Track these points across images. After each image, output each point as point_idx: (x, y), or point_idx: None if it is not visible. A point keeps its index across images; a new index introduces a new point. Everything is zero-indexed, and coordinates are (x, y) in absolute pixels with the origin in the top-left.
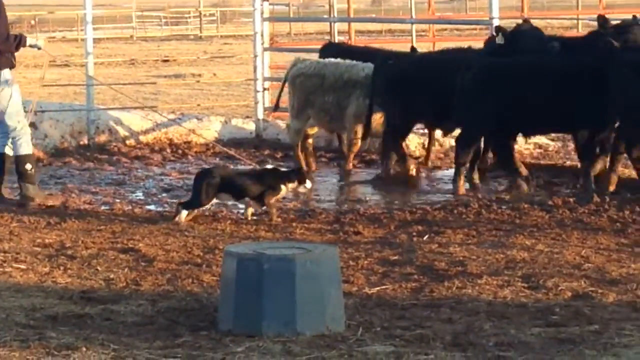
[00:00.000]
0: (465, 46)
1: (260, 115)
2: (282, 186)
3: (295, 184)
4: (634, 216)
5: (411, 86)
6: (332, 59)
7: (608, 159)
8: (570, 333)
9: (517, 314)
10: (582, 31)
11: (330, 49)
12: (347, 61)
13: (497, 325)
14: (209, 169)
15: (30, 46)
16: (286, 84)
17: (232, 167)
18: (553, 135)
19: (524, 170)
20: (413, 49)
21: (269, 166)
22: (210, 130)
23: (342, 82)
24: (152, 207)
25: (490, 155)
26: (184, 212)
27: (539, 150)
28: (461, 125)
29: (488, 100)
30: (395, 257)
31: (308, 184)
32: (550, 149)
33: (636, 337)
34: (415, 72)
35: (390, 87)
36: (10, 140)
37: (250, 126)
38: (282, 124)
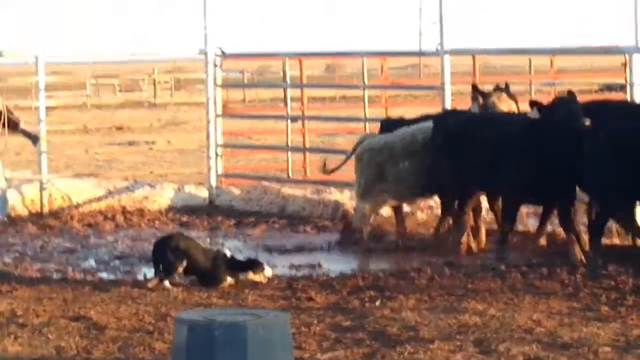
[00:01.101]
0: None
1: (214, 182)
2: (231, 276)
3: (250, 273)
4: (586, 280)
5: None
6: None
7: None
8: None
9: None
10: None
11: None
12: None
13: None
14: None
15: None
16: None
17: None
18: None
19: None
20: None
21: (227, 252)
22: (163, 197)
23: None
24: (104, 274)
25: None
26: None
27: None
28: (594, 192)
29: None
30: (348, 323)
31: (267, 271)
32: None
33: None
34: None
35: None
36: None
37: (204, 193)
38: (235, 191)
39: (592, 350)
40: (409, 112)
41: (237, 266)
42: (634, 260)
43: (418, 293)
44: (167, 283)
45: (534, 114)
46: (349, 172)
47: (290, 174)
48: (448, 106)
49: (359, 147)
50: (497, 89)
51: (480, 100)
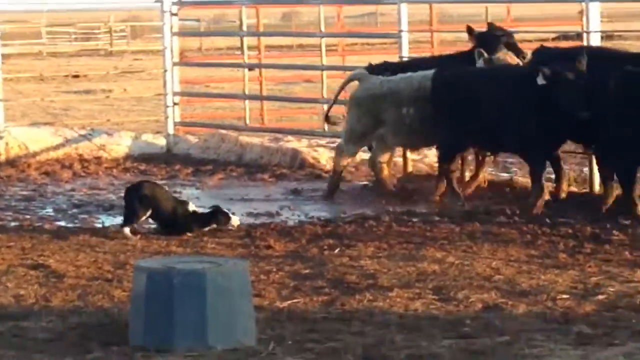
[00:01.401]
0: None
1: (171, 130)
2: (197, 227)
3: (214, 225)
4: (544, 228)
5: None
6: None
7: None
8: (481, 344)
9: (428, 326)
10: None
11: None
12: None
13: (408, 338)
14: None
15: None
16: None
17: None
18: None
19: None
20: None
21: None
22: (120, 145)
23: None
24: (62, 222)
25: None
26: (126, 229)
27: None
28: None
29: None
30: (307, 271)
31: (234, 220)
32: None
33: (546, 348)
34: None
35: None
36: None
37: (161, 141)
38: (192, 139)
39: (550, 297)
40: (366, 60)
41: (203, 219)
42: (591, 207)
43: (377, 241)
44: (126, 230)
45: (540, 80)
46: (305, 120)
47: (247, 122)
48: (405, 54)
49: (356, 92)
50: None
51: (485, 55)
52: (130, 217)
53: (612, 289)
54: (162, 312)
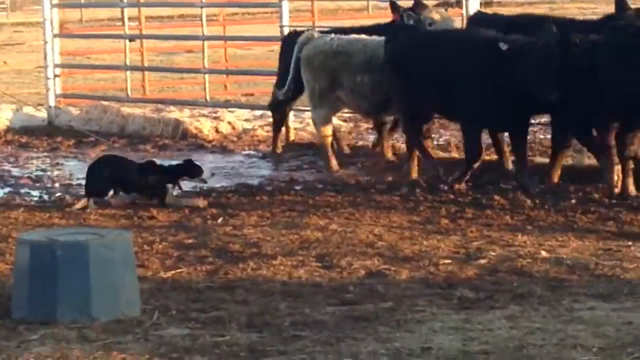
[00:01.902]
0: None
1: (52, 103)
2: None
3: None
4: (426, 194)
5: None
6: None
7: None
8: (364, 311)
9: (311, 294)
10: (372, 13)
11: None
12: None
13: (292, 305)
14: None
15: None
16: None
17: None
18: (345, 115)
19: None
20: None
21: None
22: (1, 118)
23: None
24: None
25: None
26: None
27: None
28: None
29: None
30: (190, 241)
31: (206, 174)
32: (342, 129)
33: (429, 313)
34: None
35: None
36: None
37: (42, 114)
38: (74, 111)
39: (432, 262)
40: (247, 30)
41: (173, 172)
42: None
43: (260, 210)
44: (91, 202)
45: (502, 46)
46: (187, 91)
47: (129, 93)
48: (286, 23)
49: (304, 49)
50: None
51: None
52: (99, 195)
53: (493, 254)
54: (46, 285)
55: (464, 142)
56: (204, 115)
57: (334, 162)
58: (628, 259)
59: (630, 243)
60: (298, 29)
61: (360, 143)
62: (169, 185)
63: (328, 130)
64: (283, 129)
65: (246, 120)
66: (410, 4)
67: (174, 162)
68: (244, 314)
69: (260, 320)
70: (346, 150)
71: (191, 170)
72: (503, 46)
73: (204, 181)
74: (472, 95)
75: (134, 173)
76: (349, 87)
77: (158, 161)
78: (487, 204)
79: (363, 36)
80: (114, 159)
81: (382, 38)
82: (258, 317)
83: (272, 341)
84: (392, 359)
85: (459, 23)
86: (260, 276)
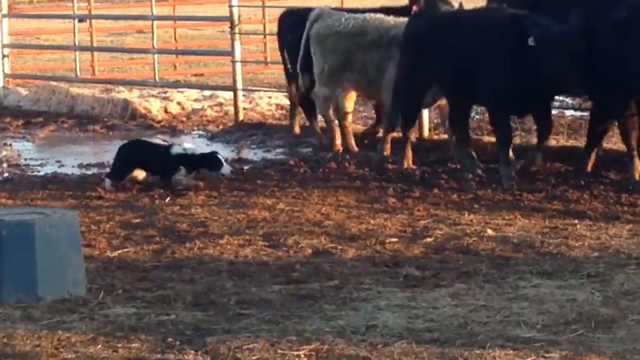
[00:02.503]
0: None
1: (1, 83)
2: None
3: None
4: (374, 173)
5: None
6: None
7: None
8: (311, 289)
9: (258, 272)
10: None
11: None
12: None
13: (239, 284)
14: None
15: None
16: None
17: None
18: None
19: None
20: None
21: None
22: None
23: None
24: None
25: None
26: (107, 182)
27: (281, 112)
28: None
29: None
30: (138, 220)
31: (225, 169)
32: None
33: (374, 291)
34: None
35: None
36: None
37: None
38: (22, 91)
39: (379, 241)
40: (197, 10)
41: (193, 161)
42: (421, 153)
43: (207, 189)
44: (107, 182)
45: (531, 42)
46: (136, 71)
47: (78, 74)
48: (235, 4)
49: (318, 29)
50: None
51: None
52: (117, 176)
53: (440, 232)
54: None
55: (494, 127)
56: (153, 96)
57: (337, 139)
58: (573, 237)
59: (576, 221)
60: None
61: (308, 123)
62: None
63: (329, 108)
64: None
65: (195, 100)
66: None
67: (198, 152)
68: (190, 292)
69: (206, 298)
70: (297, 130)
71: (213, 163)
72: (531, 41)
73: (223, 176)
74: (501, 78)
75: (158, 157)
76: (357, 67)
77: (186, 145)
78: (435, 183)
79: (378, 15)
80: (141, 143)
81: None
82: (204, 295)
83: (217, 319)
84: (337, 336)
85: None
86: (206, 255)
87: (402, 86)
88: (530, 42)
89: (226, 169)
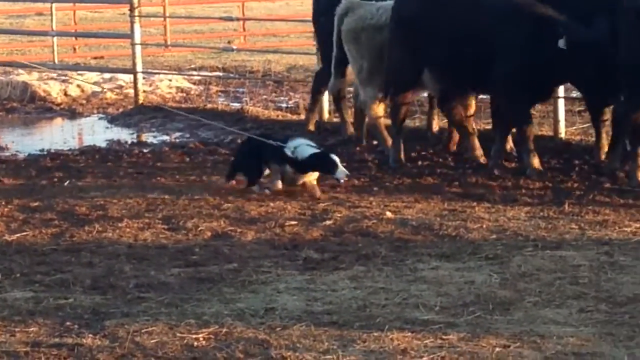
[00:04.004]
0: None
1: None
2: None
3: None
4: None
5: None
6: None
7: None
8: (210, 272)
9: (157, 256)
10: None
11: None
12: None
13: (138, 267)
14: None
15: None
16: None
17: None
18: (195, 79)
19: None
20: None
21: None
22: None
23: None
24: None
25: None
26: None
27: (181, 94)
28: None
29: None
30: (36, 204)
31: (340, 172)
32: (192, 92)
33: (273, 274)
34: None
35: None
36: None
37: None
38: None
39: (278, 224)
40: None
41: (302, 165)
42: (321, 136)
43: (107, 172)
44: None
45: (561, 44)
46: (36, 53)
47: None
48: None
49: (350, 24)
50: None
51: None
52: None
53: (339, 215)
54: None
55: (511, 117)
56: (52, 78)
57: (389, 139)
58: (472, 220)
59: (474, 204)
60: None
61: (209, 106)
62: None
63: (380, 110)
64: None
65: (95, 83)
66: None
67: (311, 151)
68: (89, 276)
69: (104, 282)
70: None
71: (325, 166)
72: (562, 44)
73: (338, 180)
74: (518, 65)
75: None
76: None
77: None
78: None
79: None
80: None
81: None
82: (103, 279)
83: (116, 303)
84: (236, 319)
85: None
86: (105, 239)
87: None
88: (562, 44)
89: (341, 172)
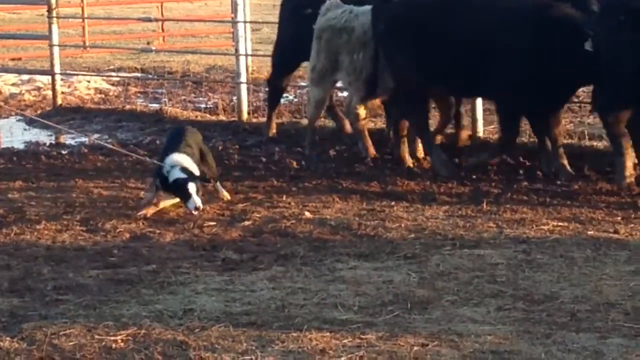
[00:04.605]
0: None
1: None
2: None
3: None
4: None
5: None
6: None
7: None
8: (128, 274)
9: (75, 257)
10: None
11: None
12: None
13: (56, 269)
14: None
15: None
16: None
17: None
18: (114, 80)
19: None
20: None
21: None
22: None
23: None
24: None
25: None
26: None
27: (100, 96)
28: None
29: None
30: None
31: (190, 204)
32: (110, 93)
33: (192, 275)
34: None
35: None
36: None
37: None
38: None
39: (197, 225)
40: None
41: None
42: (239, 136)
43: (25, 174)
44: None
45: (589, 45)
46: None
47: None
48: None
49: (317, 22)
50: None
51: None
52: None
53: (258, 215)
54: None
55: (501, 121)
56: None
57: (371, 147)
58: (390, 219)
59: (393, 203)
60: None
61: (128, 107)
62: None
63: (362, 113)
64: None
65: (13, 84)
66: None
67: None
68: (6, 279)
69: (22, 284)
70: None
71: (181, 193)
72: (588, 46)
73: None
74: (519, 72)
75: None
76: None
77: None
78: (253, 166)
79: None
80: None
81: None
82: (20, 281)
83: (34, 305)
84: (155, 321)
85: None
86: (23, 241)
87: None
88: (588, 46)
89: (191, 203)
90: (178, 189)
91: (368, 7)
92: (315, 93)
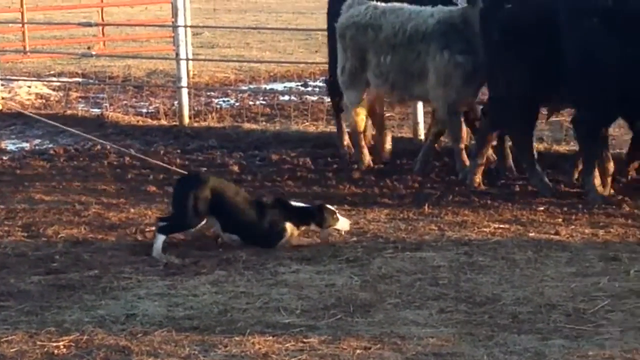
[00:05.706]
0: None
1: None
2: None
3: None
4: (133, 161)
5: None
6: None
7: None
8: (70, 279)
9: (17, 264)
10: None
11: None
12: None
13: None
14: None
15: None
16: None
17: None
18: (55, 84)
19: None
20: None
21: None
22: None
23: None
24: None
25: None
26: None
27: (41, 101)
28: None
29: None
30: None
31: (342, 224)
32: (51, 98)
33: (134, 280)
34: None
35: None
36: None
37: None
38: None
39: (139, 230)
40: None
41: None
42: (181, 140)
43: None
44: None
45: None
46: None
47: None
48: None
49: (340, 20)
50: None
51: None
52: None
53: None
54: None
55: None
56: None
57: (367, 154)
58: None
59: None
60: None
61: (69, 112)
62: None
63: (362, 116)
64: None
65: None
66: None
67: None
68: None
69: None
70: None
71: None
72: None
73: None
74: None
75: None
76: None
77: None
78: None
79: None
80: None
81: (442, 8)
82: None
83: None
84: (97, 326)
85: None
86: None
87: None
88: None
89: (344, 223)
90: None
91: (398, 5)
92: (350, 97)
